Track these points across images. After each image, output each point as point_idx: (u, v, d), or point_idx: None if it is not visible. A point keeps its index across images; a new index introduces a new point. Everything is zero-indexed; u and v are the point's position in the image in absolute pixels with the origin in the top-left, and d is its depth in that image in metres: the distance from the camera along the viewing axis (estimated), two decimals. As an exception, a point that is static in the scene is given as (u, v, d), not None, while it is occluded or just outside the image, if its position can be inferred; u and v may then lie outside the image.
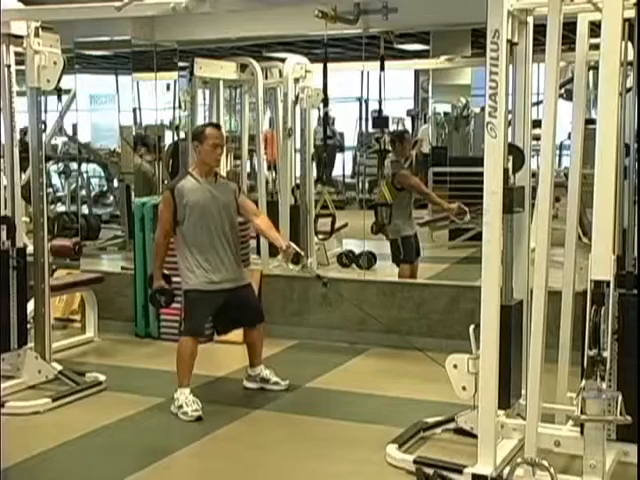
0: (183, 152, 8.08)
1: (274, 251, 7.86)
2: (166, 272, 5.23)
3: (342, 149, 12.60)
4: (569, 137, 4.61)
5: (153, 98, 7.80)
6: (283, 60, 8.00)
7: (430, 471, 3.98)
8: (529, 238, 4.19)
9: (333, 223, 8.08)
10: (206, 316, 5.16)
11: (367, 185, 10.42)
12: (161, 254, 5.19)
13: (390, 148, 7.71)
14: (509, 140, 3.98)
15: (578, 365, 3.81)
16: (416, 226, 7.54)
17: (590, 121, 4.43)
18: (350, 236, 8.64)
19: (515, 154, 3.99)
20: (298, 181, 8.20)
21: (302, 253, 5.31)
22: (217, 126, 5.49)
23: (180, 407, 4.92)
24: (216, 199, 5.13)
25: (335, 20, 6.25)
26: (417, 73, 11.74)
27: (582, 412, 3.64)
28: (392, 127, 11.24)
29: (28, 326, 5.51)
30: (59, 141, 10.80)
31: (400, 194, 7.16)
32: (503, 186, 3.79)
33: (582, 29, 4.34)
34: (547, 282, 3.83)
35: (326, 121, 7.99)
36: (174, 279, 5.24)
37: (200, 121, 7.95)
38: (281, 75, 7.98)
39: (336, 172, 12.43)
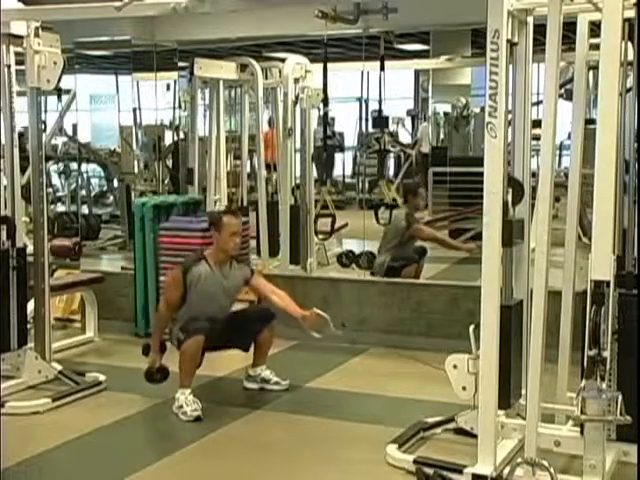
0: (183, 152, 8.11)
1: (274, 251, 7.90)
2: (165, 337, 5.26)
3: (342, 149, 12.60)
4: (569, 137, 4.61)
5: (153, 98, 7.81)
6: (283, 60, 8.00)
7: (430, 471, 3.98)
8: (529, 238, 4.19)
9: (333, 223, 8.08)
10: (206, 321, 5.14)
11: (367, 185, 10.42)
12: (162, 326, 5.24)
13: (404, 200, 7.76)
14: (508, 170, 3.96)
15: (578, 365, 3.81)
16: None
17: (590, 121, 4.43)
18: (350, 236, 8.64)
19: (515, 186, 3.98)
20: (298, 181, 8.21)
21: (327, 317, 5.14)
22: (234, 214, 5.33)
23: (180, 407, 4.92)
24: (226, 290, 5.24)
25: (335, 20, 6.26)
26: (417, 73, 11.74)
27: (582, 412, 3.64)
28: (392, 127, 11.26)
29: (28, 326, 5.51)
30: (59, 141, 10.80)
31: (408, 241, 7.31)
32: (502, 219, 3.78)
33: (582, 29, 4.35)
34: (547, 282, 3.83)
35: (326, 121, 7.99)
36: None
37: (200, 121, 7.97)
38: (281, 75, 7.98)
39: (336, 172, 12.44)
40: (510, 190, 3.92)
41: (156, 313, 5.47)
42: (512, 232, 3.93)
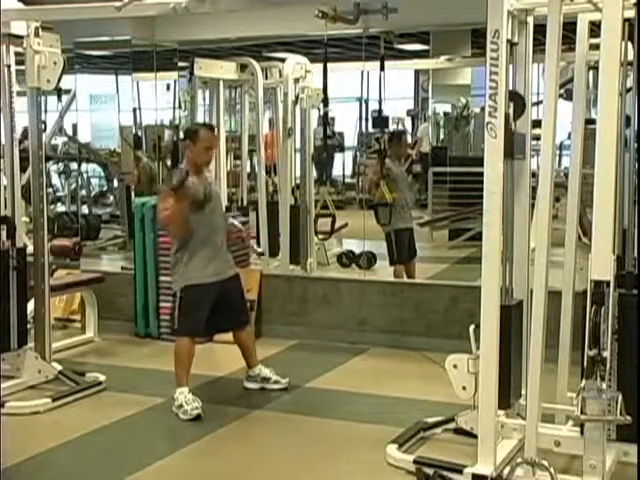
0: (183, 151, 8.09)
1: (274, 251, 7.90)
2: None
3: (342, 149, 12.59)
4: (569, 137, 4.62)
5: (153, 98, 7.81)
6: (283, 60, 8.00)
7: (430, 471, 3.98)
8: (529, 238, 4.19)
9: (333, 223, 8.08)
10: (203, 315, 5.14)
11: (367, 185, 10.41)
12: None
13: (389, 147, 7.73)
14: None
15: (578, 365, 3.81)
16: (414, 224, 7.57)
17: (590, 121, 4.43)
18: (350, 236, 8.64)
19: (516, 100, 3.99)
20: (298, 181, 8.21)
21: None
22: (211, 128, 5.48)
23: (180, 406, 4.92)
24: (213, 195, 5.22)
25: (335, 20, 6.25)
26: (417, 73, 11.74)
27: (582, 412, 3.64)
28: (392, 127, 11.26)
29: (28, 326, 5.51)
30: (59, 141, 10.80)
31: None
32: (504, 130, 3.78)
33: (582, 29, 4.35)
34: (547, 282, 3.83)
35: (326, 121, 7.98)
36: (166, 279, 5.21)
37: (200, 121, 7.95)
38: (281, 75, 7.99)
39: (336, 172, 12.43)
40: (511, 104, 3.94)
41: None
42: (513, 145, 3.95)
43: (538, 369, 3.81)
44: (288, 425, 4.91)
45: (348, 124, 12.23)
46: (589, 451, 3.70)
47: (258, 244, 7.84)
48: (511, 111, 3.94)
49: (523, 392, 4.14)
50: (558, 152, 6.87)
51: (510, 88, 3.95)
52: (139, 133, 8.82)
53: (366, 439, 4.59)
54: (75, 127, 10.45)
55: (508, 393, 4.03)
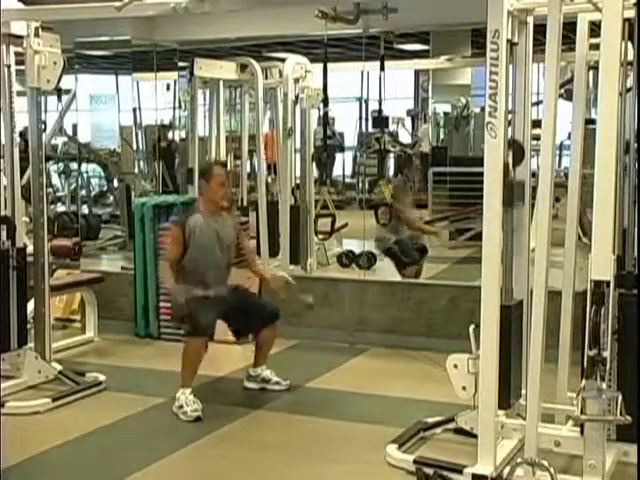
0: (183, 152, 8.10)
1: (274, 251, 7.90)
2: None
3: (342, 149, 12.60)
4: (569, 137, 4.61)
5: (153, 98, 7.81)
6: (283, 60, 8.00)
7: (430, 471, 3.98)
8: (529, 238, 4.19)
9: (333, 223, 8.08)
10: (212, 315, 5.13)
11: (367, 185, 10.42)
12: (173, 269, 5.22)
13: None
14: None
15: (578, 365, 3.81)
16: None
17: (590, 121, 4.43)
18: (350, 236, 8.64)
19: (515, 149, 4.01)
20: (298, 181, 8.20)
21: (288, 277, 5.46)
22: (223, 165, 5.76)
23: (180, 407, 4.92)
24: (221, 239, 5.27)
25: (335, 20, 6.25)
26: (417, 73, 11.75)
27: (582, 412, 3.64)
28: (392, 127, 11.27)
29: (28, 326, 5.51)
30: (59, 141, 10.81)
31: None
32: (503, 180, 3.80)
33: (582, 29, 4.34)
34: (547, 282, 3.83)
35: (326, 121, 7.99)
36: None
37: (200, 121, 7.97)
38: (281, 75, 7.98)
39: (336, 172, 12.43)
40: (510, 152, 3.96)
41: (161, 265, 5.42)
42: (513, 193, 3.97)
43: (538, 369, 3.81)
44: (288, 425, 4.91)
45: (348, 124, 12.23)
46: (589, 451, 3.70)
47: (258, 244, 7.83)
48: (510, 159, 3.95)
49: (523, 392, 4.14)
50: (558, 152, 6.87)
51: (509, 137, 3.99)
52: (139, 133, 8.83)
53: (366, 439, 4.59)
54: (75, 127, 10.46)
55: (508, 393, 4.04)
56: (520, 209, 4.15)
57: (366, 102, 10.82)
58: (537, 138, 3.97)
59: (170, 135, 8.71)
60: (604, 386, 3.62)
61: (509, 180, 3.92)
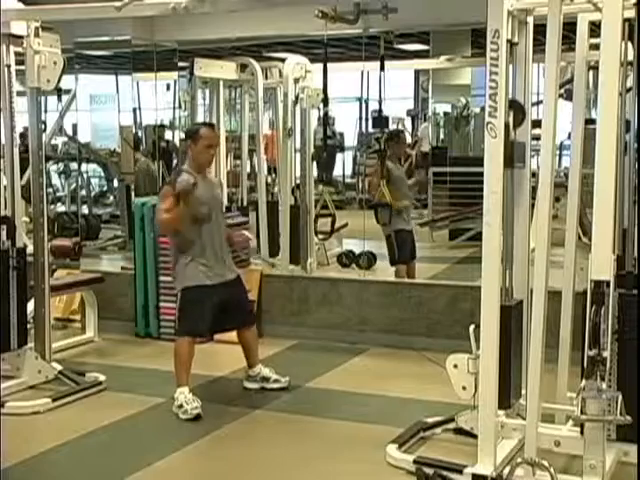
0: (184, 151, 8.09)
1: (274, 251, 7.91)
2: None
3: (342, 149, 12.61)
4: (569, 137, 4.61)
5: (153, 98, 7.81)
6: (283, 60, 8.00)
7: (430, 471, 3.98)
8: (529, 238, 4.19)
9: (333, 223, 8.08)
10: (203, 315, 5.14)
11: (367, 185, 10.42)
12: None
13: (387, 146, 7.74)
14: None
15: (578, 365, 3.81)
16: (414, 225, 7.57)
17: (590, 121, 4.43)
18: (350, 236, 8.64)
19: (516, 109, 4.00)
20: (298, 181, 8.21)
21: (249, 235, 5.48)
22: (212, 126, 5.56)
23: (180, 406, 4.92)
24: (214, 196, 5.24)
25: (335, 20, 6.25)
26: (417, 73, 11.75)
27: (582, 412, 3.64)
28: (392, 127, 11.26)
29: (28, 326, 5.51)
30: (59, 141, 10.81)
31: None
32: (504, 140, 3.78)
33: (582, 29, 4.35)
34: (547, 282, 3.83)
35: (326, 121, 7.99)
36: (166, 279, 5.20)
37: (200, 121, 7.95)
38: (281, 75, 7.99)
39: (336, 172, 12.44)
40: (511, 113, 3.94)
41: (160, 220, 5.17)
42: (513, 153, 3.95)
43: (538, 369, 3.81)
44: (288, 425, 4.91)
45: (348, 124, 12.24)
46: (589, 451, 3.70)
47: (258, 244, 7.84)
48: (511, 120, 3.94)
49: (523, 392, 4.14)
50: (558, 152, 6.88)
51: (510, 96, 3.96)
52: (139, 133, 8.83)
53: (366, 439, 4.59)
54: (75, 127, 10.45)
55: (508, 393, 4.03)
56: (521, 211, 4.15)
57: (366, 102, 10.82)
58: (537, 138, 3.98)
59: (170, 135, 8.70)
60: (604, 386, 3.62)
61: (510, 140, 3.90)
